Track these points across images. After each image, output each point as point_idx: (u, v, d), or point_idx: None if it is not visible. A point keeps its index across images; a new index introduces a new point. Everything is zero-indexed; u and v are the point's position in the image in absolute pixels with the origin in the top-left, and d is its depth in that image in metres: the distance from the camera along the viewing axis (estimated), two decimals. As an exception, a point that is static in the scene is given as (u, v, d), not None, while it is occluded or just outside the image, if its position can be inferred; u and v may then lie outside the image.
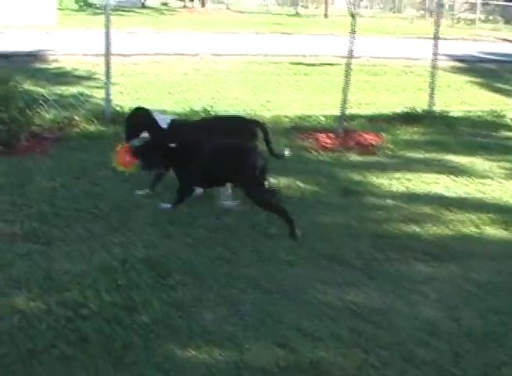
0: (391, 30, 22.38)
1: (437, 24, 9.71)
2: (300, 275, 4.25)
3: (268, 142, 5.57)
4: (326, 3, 28.15)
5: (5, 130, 6.69)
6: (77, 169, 6.16)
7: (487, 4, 31.87)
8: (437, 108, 9.62)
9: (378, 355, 3.36)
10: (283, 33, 19.38)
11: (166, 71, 12.22)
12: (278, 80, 12.02)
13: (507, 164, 7.34)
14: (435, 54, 9.61)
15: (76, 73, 11.54)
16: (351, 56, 7.93)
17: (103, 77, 8.19)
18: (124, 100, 8.84)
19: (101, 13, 23.46)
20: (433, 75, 9.56)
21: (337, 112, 9.28)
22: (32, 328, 3.42)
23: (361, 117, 9.04)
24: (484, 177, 6.78)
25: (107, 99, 7.89)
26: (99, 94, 9.83)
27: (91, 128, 7.56)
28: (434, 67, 9.65)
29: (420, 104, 9.57)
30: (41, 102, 7.81)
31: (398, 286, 4.17)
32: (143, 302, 3.72)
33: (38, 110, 7.54)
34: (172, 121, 5.62)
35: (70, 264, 4.19)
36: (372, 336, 3.54)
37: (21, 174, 5.97)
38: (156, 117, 5.55)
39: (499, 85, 13.07)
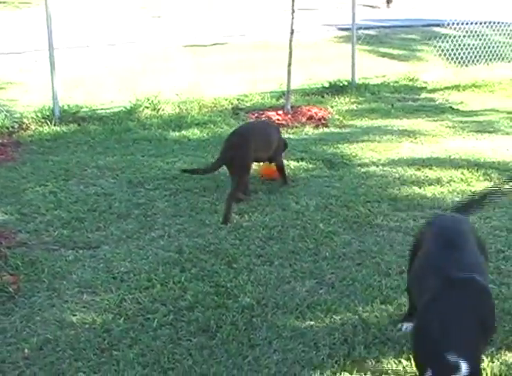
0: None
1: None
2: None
3: None
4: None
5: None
6: (61, 172, 5.96)
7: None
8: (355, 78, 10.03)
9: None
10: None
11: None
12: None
13: (448, 123, 7.94)
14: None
15: None
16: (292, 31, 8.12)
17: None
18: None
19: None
20: (353, 46, 9.96)
21: (264, 89, 9.55)
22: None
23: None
24: (436, 136, 7.30)
25: (54, 97, 7.60)
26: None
27: (45, 129, 7.31)
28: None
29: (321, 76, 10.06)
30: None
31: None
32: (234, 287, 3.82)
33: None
34: None
35: (129, 263, 4.17)
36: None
37: (6, 183, 5.68)
38: None
39: (385, 50, 13.45)
